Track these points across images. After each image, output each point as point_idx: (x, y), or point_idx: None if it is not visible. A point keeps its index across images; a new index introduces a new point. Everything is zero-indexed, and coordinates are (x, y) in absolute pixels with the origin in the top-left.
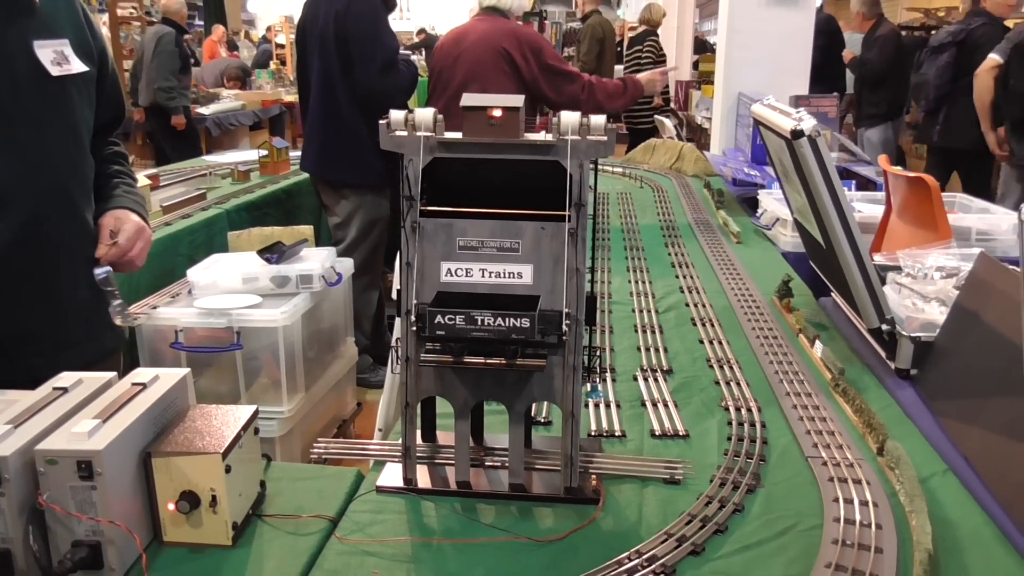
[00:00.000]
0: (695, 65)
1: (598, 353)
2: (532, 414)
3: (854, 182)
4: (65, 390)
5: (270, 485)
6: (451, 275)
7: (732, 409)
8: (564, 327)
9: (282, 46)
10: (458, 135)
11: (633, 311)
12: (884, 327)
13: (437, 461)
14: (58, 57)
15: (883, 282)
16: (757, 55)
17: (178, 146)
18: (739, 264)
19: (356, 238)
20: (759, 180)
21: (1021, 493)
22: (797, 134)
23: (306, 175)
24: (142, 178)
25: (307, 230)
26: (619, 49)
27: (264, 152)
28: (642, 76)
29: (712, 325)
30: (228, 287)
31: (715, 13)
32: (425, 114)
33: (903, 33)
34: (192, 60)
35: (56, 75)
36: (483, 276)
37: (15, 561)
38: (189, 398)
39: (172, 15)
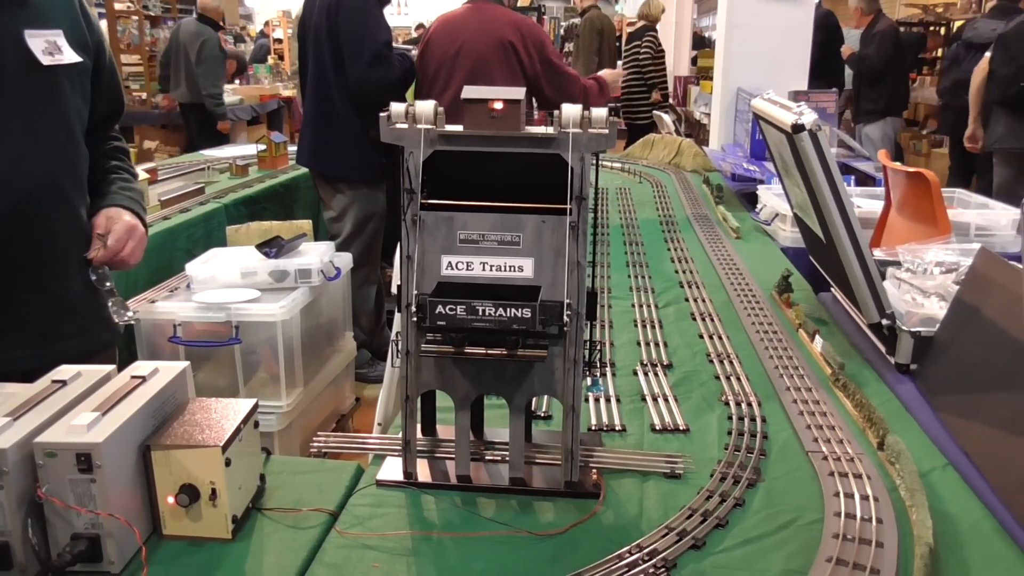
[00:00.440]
0: (693, 61)
1: (598, 347)
2: (532, 408)
3: (853, 177)
4: (64, 383)
5: (270, 479)
6: (452, 268)
7: (732, 403)
8: (565, 318)
9: (280, 41)
10: (458, 128)
11: (633, 306)
12: (884, 322)
13: (437, 455)
14: (50, 47)
15: (883, 277)
16: (756, 50)
17: (212, 142)
18: (738, 259)
19: (351, 233)
20: (758, 175)
21: (1021, 487)
22: (798, 128)
23: (304, 170)
24: (140, 172)
25: (306, 224)
26: (617, 44)
27: (262, 147)
28: (606, 73)
29: (712, 320)
30: (227, 281)
31: (713, 9)
32: (426, 106)
33: (901, 29)
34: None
35: (47, 64)
36: (484, 269)
37: (14, 554)
38: (189, 391)
39: (210, 12)
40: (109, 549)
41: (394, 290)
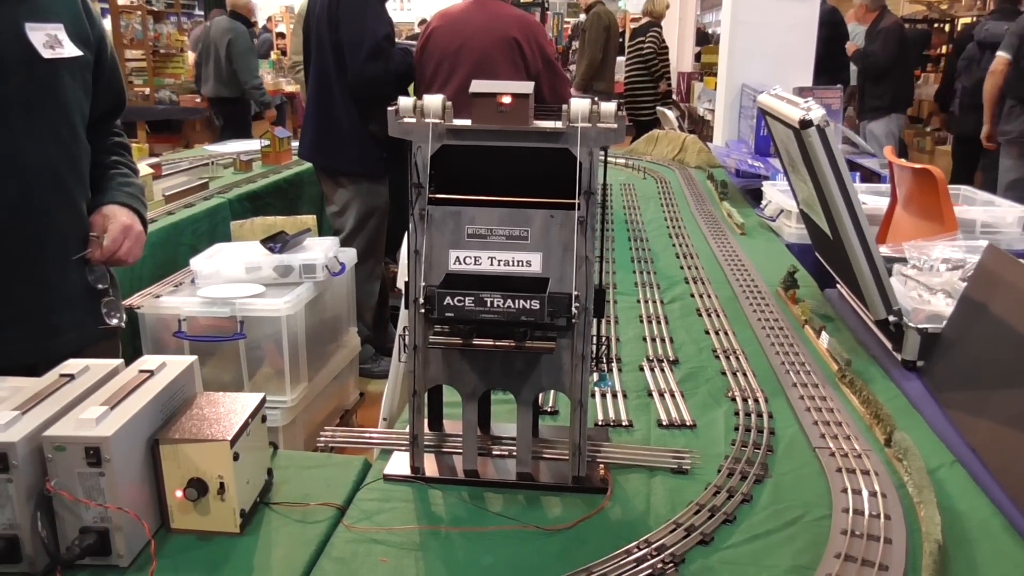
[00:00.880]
0: (697, 57)
1: (605, 342)
2: (539, 403)
3: (858, 174)
4: (72, 377)
5: (277, 473)
6: (459, 263)
7: (739, 399)
8: (573, 309)
9: (282, 35)
10: (467, 123)
11: (638, 301)
12: (891, 319)
13: (444, 450)
14: (50, 40)
15: (889, 274)
16: (761, 47)
17: (242, 136)
18: (743, 255)
19: (354, 228)
20: (763, 171)
21: None
22: (806, 124)
23: (308, 165)
24: (144, 167)
25: (310, 220)
26: (620, 41)
27: (266, 142)
28: None
29: (717, 316)
30: (231, 276)
31: (717, 5)
32: (434, 101)
33: (906, 26)
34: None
35: (48, 58)
36: (492, 264)
37: (23, 547)
38: (196, 385)
39: (240, 9)
40: (118, 543)
41: (400, 285)
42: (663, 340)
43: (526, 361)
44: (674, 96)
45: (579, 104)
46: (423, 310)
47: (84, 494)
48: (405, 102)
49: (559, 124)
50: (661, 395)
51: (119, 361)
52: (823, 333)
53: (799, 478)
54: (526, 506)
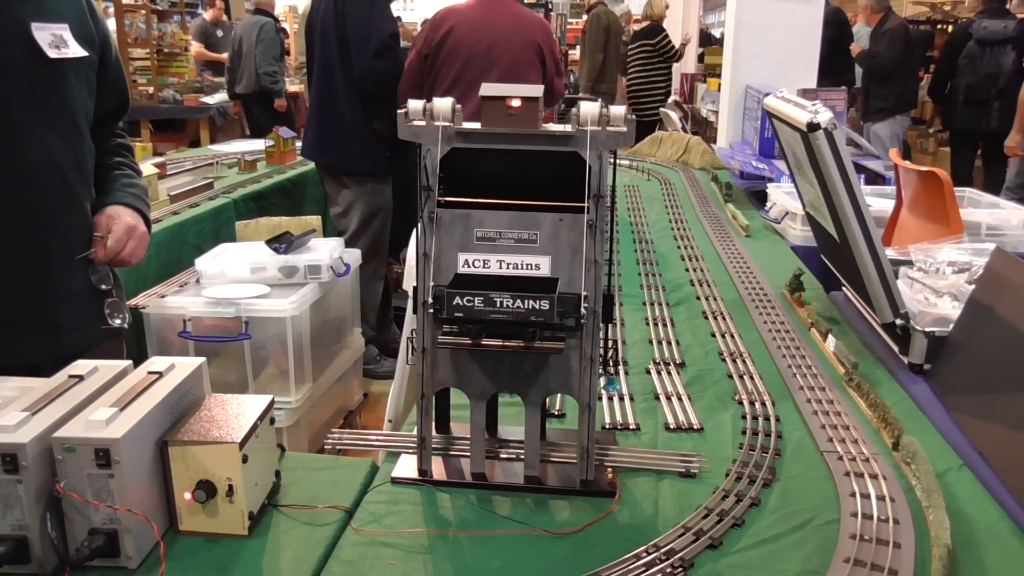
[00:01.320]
0: (700, 58)
1: (614, 346)
2: (546, 407)
3: (863, 176)
4: (81, 378)
5: (284, 475)
6: (468, 266)
7: (746, 402)
8: (582, 310)
9: (286, 34)
10: (476, 125)
11: (644, 304)
12: (898, 322)
13: (452, 453)
14: (56, 40)
15: (895, 276)
16: (765, 48)
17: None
18: (748, 257)
19: (358, 228)
20: (767, 173)
21: None
22: (813, 127)
23: (313, 165)
24: (149, 167)
25: (315, 220)
26: (624, 39)
27: (271, 142)
28: None
29: (723, 318)
30: (236, 277)
31: (719, 6)
32: (443, 104)
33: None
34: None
35: (53, 57)
36: (501, 268)
37: (32, 548)
38: (205, 387)
39: (265, 5)
40: (127, 544)
41: (405, 287)
42: (669, 343)
43: (534, 363)
44: (676, 96)
45: (588, 107)
46: (432, 310)
47: (93, 495)
48: (414, 105)
49: (568, 127)
50: (668, 398)
51: (128, 362)
52: (829, 336)
53: (807, 482)
54: (534, 509)
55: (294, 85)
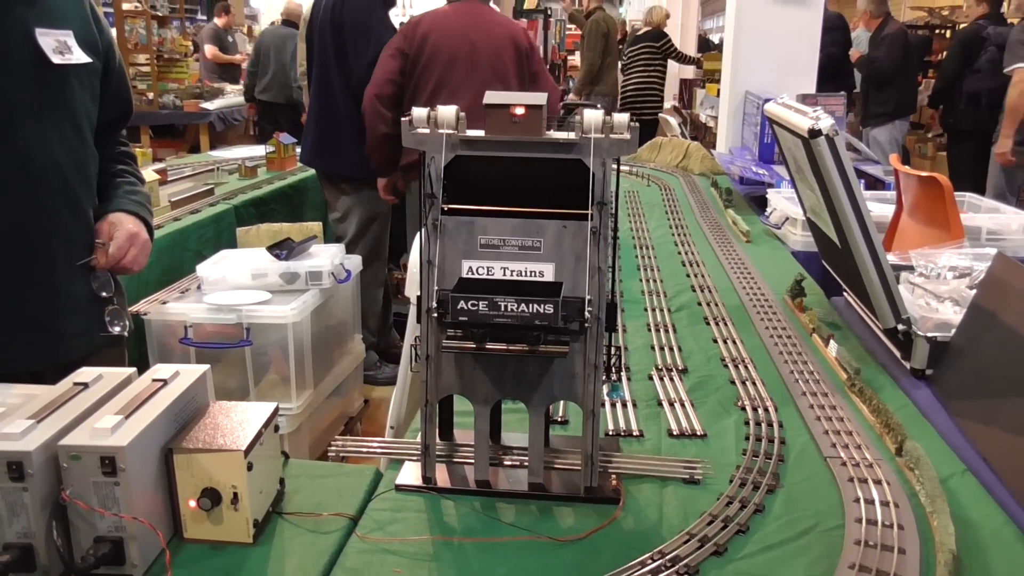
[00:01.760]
0: (699, 64)
1: (617, 352)
2: (549, 413)
3: (863, 181)
4: (86, 385)
5: (288, 482)
6: (472, 273)
7: (749, 408)
8: (586, 314)
9: None
10: (480, 133)
11: (645, 310)
12: (900, 327)
13: (455, 460)
14: (60, 46)
15: (897, 282)
16: (765, 53)
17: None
18: (749, 263)
19: (356, 233)
20: (767, 179)
21: None
22: (815, 133)
23: (313, 171)
24: (151, 173)
25: (316, 227)
26: (621, 47)
27: (271, 148)
28: None
29: (725, 324)
30: (237, 283)
31: (717, 11)
32: (448, 112)
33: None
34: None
35: (57, 63)
36: (505, 275)
37: (38, 556)
38: (209, 395)
39: (293, 17)
40: (132, 552)
41: (407, 292)
42: (671, 349)
43: (538, 370)
44: (675, 102)
45: (592, 115)
46: (436, 314)
47: (99, 503)
48: (418, 113)
49: (572, 135)
50: (671, 404)
51: (132, 369)
52: (831, 341)
53: (811, 488)
54: (538, 516)
55: None
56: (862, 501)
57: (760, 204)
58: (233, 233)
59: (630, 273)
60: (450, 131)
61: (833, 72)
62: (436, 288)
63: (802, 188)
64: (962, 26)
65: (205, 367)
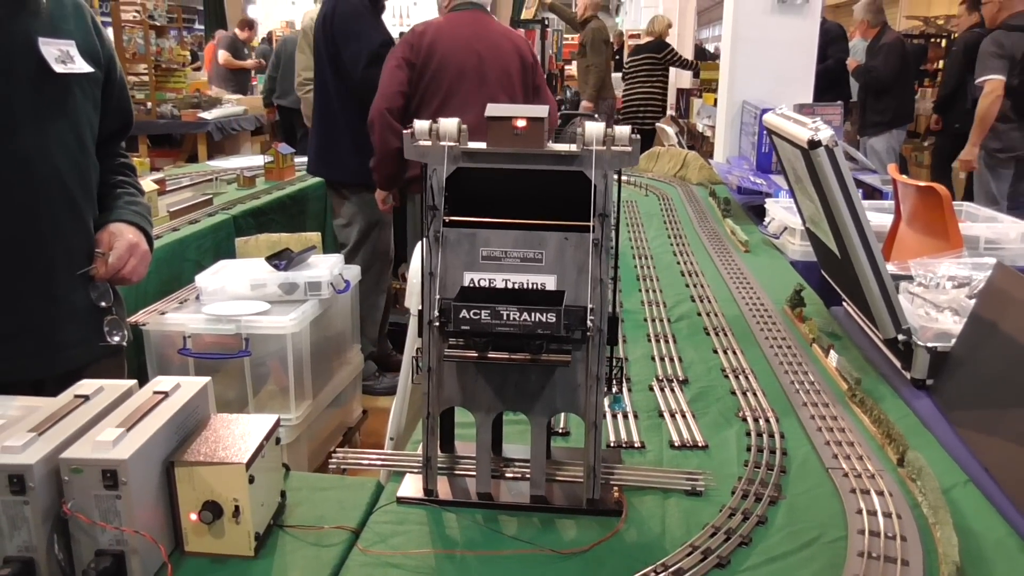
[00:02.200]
0: (696, 73)
1: (620, 364)
2: (551, 425)
3: (860, 190)
4: (87, 398)
5: (290, 495)
6: (474, 285)
7: (750, 419)
8: (588, 322)
9: None
10: (482, 145)
11: (645, 320)
12: (900, 337)
13: (457, 472)
14: (62, 56)
15: (896, 291)
16: (761, 63)
17: None
18: (748, 273)
19: (357, 240)
20: (765, 188)
21: None
22: (814, 144)
23: (312, 181)
24: (150, 183)
25: (315, 237)
26: (617, 57)
27: (270, 158)
28: None
29: (725, 334)
30: (236, 293)
31: (714, 20)
32: (449, 124)
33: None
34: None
35: (60, 72)
36: (506, 287)
37: (39, 570)
38: (210, 407)
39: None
40: (133, 566)
41: (407, 303)
42: (672, 359)
43: (540, 381)
44: (672, 111)
45: (593, 127)
46: (438, 323)
47: (100, 517)
48: (420, 125)
49: (574, 147)
50: (672, 415)
51: (133, 382)
52: (831, 352)
53: (813, 499)
54: (541, 529)
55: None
56: (864, 512)
57: (758, 214)
58: (232, 243)
59: (629, 283)
60: (452, 143)
61: (832, 82)
62: (438, 299)
63: (801, 198)
64: (956, 35)
65: (206, 379)
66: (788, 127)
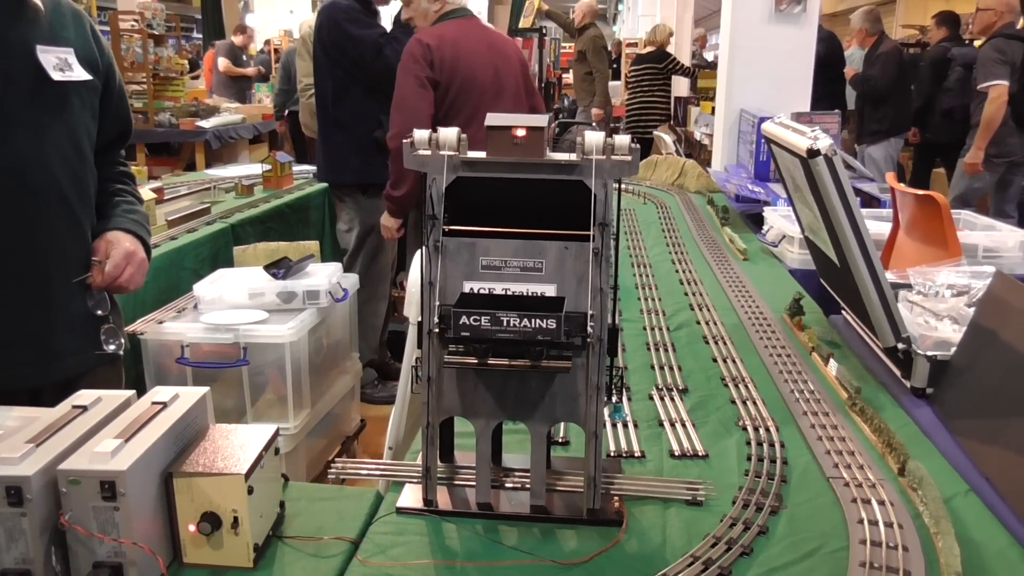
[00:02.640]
0: (693, 81)
1: (620, 373)
2: (551, 434)
3: (859, 199)
4: (84, 408)
5: (288, 505)
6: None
7: (750, 428)
8: (589, 328)
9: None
10: (481, 154)
11: (644, 329)
12: (900, 346)
13: (456, 482)
14: (61, 63)
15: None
16: (759, 72)
17: None
18: (747, 281)
19: (356, 245)
20: (763, 197)
21: None
22: (813, 153)
23: (311, 189)
24: (148, 192)
25: (313, 246)
26: (615, 66)
27: (268, 167)
28: None
29: (724, 343)
30: (234, 302)
31: (711, 29)
32: (449, 133)
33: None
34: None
35: (58, 80)
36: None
37: None
38: (208, 417)
39: None
40: None
41: (407, 312)
42: (671, 368)
43: (540, 390)
44: (670, 121)
45: (593, 136)
46: (438, 330)
47: (98, 528)
48: (420, 135)
49: (574, 156)
50: (672, 425)
51: (131, 392)
52: (831, 360)
53: (814, 509)
54: (541, 539)
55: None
56: (866, 522)
57: (756, 222)
58: (230, 252)
59: (628, 291)
60: (451, 152)
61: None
62: (436, 314)
63: (799, 207)
64: (928, 48)
65: (205, 389)
66: (787, 136)
